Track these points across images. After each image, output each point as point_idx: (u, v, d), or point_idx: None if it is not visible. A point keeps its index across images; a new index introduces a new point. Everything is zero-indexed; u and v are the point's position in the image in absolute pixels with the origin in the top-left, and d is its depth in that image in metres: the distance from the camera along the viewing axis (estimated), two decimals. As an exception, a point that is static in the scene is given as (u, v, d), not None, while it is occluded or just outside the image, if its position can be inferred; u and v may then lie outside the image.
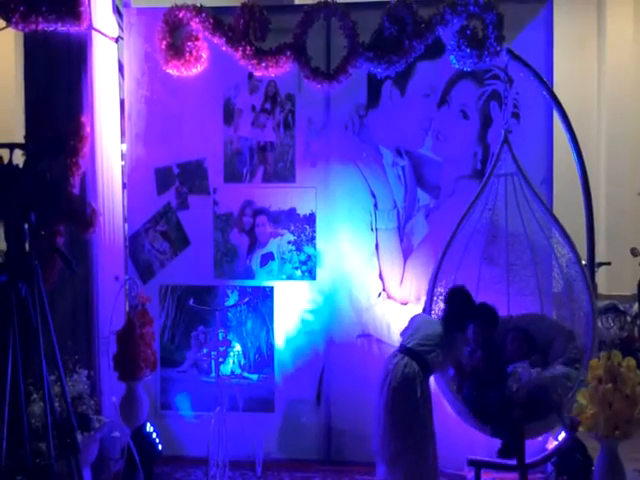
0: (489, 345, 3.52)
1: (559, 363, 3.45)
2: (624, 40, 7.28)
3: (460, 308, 3.32)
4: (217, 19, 3.82)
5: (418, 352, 3.20)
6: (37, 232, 2.61)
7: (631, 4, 7.34)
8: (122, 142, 4.22)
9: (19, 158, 2.60)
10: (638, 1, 7.35)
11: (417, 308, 3.82)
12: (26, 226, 2.48)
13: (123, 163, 4.25)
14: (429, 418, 3.19)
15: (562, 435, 3.45)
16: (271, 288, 4.11)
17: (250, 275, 4.12)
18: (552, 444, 3.61)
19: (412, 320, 3.45)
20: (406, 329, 3.41)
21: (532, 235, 3.67)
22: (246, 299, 4.03)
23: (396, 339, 3.81)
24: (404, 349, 3.25)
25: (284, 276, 4.10)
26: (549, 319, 3.72)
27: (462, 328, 3.34)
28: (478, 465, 3.46)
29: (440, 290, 3.66)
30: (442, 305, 3.46)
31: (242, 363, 4.13)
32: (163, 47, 3.87)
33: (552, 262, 3.66)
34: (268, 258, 4.13)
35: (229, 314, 4.11)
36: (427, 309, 3.66)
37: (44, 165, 2.61)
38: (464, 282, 3.55)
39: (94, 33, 3.85)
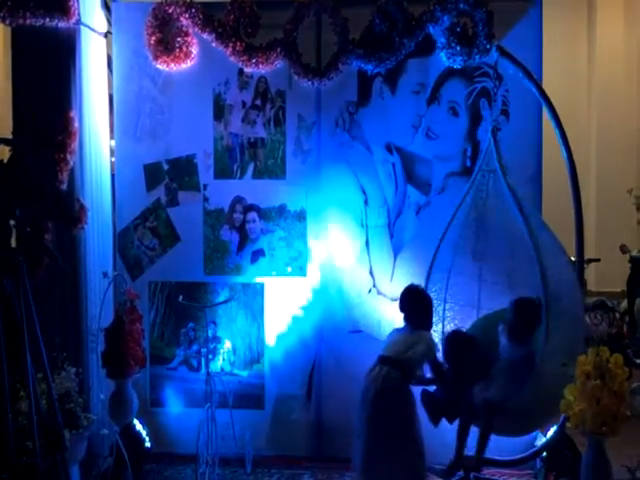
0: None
1: None
2: (614, 38, 7.32)
3: (414, 305, 3.37)
4: (207, 14, 3.79)
5: (395, 358, 3.20)
6: (23, 228, 2.59)
7: (621, 3, 7.36)
8: (111, 137, 4.20)
9: (5, 153, 2.58)
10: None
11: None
12: (12, 222, 2.46)
13: (112, 159, 4.22)
14: (415, 426, 3.17)
15: (550, 431, 3.47)
16: (262, 284, 4.10)
17: (240, 271, 4.11)
18: (541, 440, 3.63)
19: (388, 335, 3.44)
20: (383, 343, 3.41)
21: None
22: (236, 295, 4.02)
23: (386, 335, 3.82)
24: (381, 358, 3.25)
25: (275, 272, 4.10)
26: None
27: (425, 326, 3.37)
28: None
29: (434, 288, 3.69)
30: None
31: (232, 360, 4.12)
32: (152, 42, 3.85)
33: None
34: (259, 254, 4.12)
35: (219, 311, 4.09)
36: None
37: (30, 160, 2.59)
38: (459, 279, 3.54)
39: (82, 28, 3.82)
